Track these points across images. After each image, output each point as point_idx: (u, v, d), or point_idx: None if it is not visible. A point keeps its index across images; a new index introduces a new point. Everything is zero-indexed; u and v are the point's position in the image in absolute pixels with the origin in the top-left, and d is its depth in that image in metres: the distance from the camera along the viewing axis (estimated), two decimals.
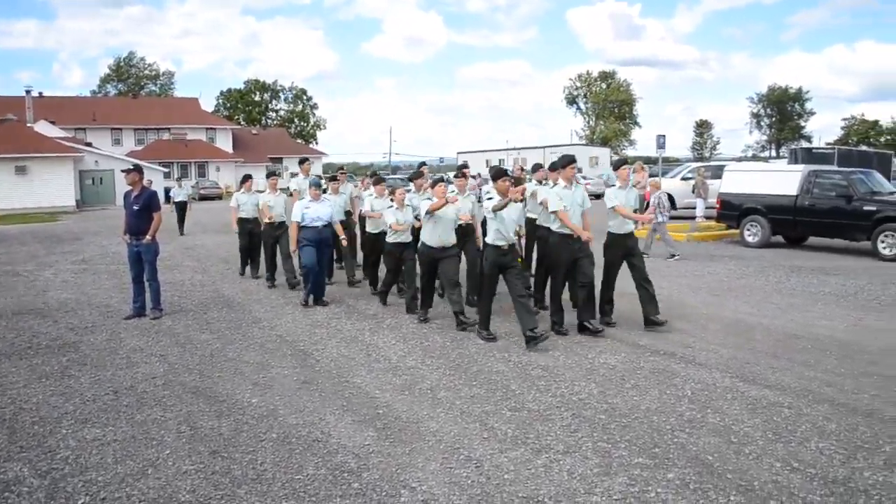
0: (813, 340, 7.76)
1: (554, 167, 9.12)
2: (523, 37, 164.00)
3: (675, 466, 4.62)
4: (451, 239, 8.77)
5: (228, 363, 7.20)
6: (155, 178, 34.62)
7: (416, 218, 9.39)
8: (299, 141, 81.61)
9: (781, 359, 7.05)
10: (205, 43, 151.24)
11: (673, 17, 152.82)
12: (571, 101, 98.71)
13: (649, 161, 32.97)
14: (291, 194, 12.17)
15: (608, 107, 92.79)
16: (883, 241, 14.02)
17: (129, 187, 9.24)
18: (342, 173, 12.94)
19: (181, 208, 22.78)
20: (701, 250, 16.03)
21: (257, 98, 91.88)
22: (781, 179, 16.30)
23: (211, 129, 65.26)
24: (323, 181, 12.29)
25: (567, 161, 8.30)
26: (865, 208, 14.46)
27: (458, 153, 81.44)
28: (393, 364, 7.08)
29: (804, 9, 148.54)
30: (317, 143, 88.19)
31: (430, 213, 8.51)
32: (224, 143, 64.26)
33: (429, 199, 8.71)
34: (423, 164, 12.31)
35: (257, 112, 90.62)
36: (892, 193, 15.27)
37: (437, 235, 8.62)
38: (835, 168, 17.89)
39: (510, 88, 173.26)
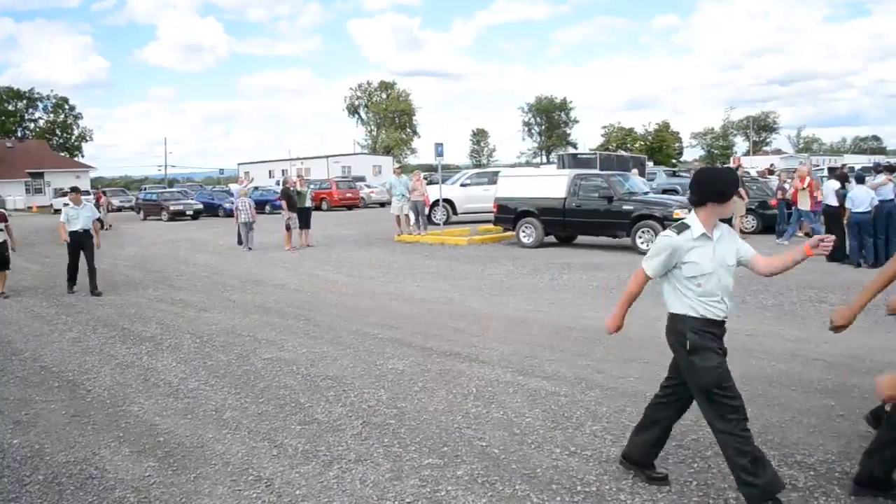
0: (583, 331, 8.34)
1: None
2: (306, 47, 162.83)
3: (463, 463, 4.77)
4: None
5: None
6: None
7: None
8: (63, 154, 75.36)
9: (556, 350, 7.51)
10: None
11: (450, 31, 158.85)
12: (353, 110, 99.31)
13: (430, 168, 34.04)
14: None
15: (388, 116, 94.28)
16: (641, 237, 15.37)
17: None
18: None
19: (78, 243, 12.22)
20: (481, 253, 16.76)
21: (11, 107, 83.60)
22: (551, 183, 17.45)
23: None
24: None
25: None
26: (624, 207, 15.84)
27: (239, 164, 78.98)
28: (174, 388, 6.71)
29: (568, 25, 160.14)
30: (83, 156, 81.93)
31: None
32: None
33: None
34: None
35: (12, 122, 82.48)
36: (646, 193, 16.99)
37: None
38: (597, 172, 19.40)
39: (293, 98, 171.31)
